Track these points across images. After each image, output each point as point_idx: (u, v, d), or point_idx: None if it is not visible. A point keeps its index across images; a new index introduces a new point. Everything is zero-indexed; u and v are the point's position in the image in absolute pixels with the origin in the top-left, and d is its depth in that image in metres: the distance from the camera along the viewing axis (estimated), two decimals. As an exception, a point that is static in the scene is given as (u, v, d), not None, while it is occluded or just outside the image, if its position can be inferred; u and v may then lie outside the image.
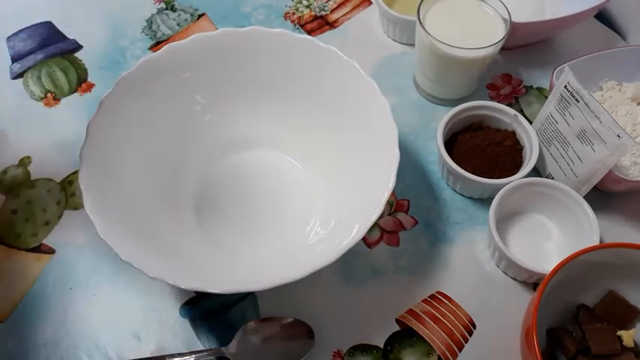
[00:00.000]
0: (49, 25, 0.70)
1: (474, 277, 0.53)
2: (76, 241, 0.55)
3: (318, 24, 0.70)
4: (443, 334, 0.50)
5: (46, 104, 0.64)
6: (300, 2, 0.72)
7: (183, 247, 0.50)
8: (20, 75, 0.66)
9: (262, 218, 0.55)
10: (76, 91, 0.65)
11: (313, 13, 0.71)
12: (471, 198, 0.57)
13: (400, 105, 0.63)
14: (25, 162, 0.60)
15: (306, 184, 0.56)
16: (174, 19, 0.70)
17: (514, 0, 0.57)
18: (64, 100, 0.64)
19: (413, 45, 0.61)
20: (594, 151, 0.49)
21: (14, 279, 0.53)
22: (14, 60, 0.67)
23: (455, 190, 0.57)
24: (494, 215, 0.51)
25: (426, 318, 0.51)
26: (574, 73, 0.50)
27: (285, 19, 0.70)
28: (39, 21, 0.70)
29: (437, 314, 0.51)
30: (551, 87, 0.55)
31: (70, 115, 0.63)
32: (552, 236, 0.54)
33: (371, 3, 0.72)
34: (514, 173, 0.54)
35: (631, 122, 0.57)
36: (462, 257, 0.54)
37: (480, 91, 0.64)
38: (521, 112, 0.62)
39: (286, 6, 0.71)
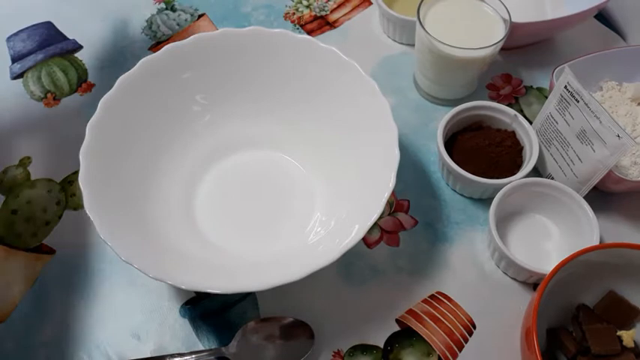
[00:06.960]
0: (49, 25, 0.70)
1: (473, 277, 0.53)
2: (75, 241, 0.55)
3: (318, 24, 0.70)
4: (443, 334, 0.50)
5: (46, 104, 0.64)
6: (300, 2, 0.72)
7: (183, 247, 0.50)
8: (20, 75, 0.66)
9: (262, 218, 0.55)
10: (76, 91, 0.65)
11: (313, 14, 0.71)
12: (471, 198, 0.57)
13: (400, 105, 0.63)
14: (25, 162, 0.60)
15: (306, 184, 0.56)
16: (174, 19, 0.70)
17: (514, 0, 0.57)
18: (64, 100, 0.64)
19: (413, 45, 0.61)
20: (594, 151, 0.49)
21: (14, 279, 0.53)
22: (14, 60, 0.67)
23: (455, 190, 0.57)
24: (494, 215, 0.51)
25: (426, 318, 0.51)
26: (574, 73, 0.50)
27: (285, 19, 0.70)
28: (39, 21, 0.70)
29: (437, 314, 0.51)
30: (551, 87, 0.55)
31: (70, 115, 0.63)
32: (552, 236, 0.54)
33: (371, 3, 0.72)
34: (514, 173, 0.54)
35: (631, 122, 0.57)
36: (462, 257, 0.54)
37: (480, 91, 0.64)
38: (521, 112, 0.62)
39: (286, 6, 0.71)
